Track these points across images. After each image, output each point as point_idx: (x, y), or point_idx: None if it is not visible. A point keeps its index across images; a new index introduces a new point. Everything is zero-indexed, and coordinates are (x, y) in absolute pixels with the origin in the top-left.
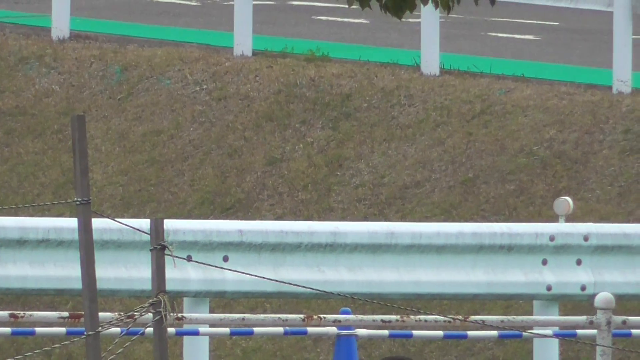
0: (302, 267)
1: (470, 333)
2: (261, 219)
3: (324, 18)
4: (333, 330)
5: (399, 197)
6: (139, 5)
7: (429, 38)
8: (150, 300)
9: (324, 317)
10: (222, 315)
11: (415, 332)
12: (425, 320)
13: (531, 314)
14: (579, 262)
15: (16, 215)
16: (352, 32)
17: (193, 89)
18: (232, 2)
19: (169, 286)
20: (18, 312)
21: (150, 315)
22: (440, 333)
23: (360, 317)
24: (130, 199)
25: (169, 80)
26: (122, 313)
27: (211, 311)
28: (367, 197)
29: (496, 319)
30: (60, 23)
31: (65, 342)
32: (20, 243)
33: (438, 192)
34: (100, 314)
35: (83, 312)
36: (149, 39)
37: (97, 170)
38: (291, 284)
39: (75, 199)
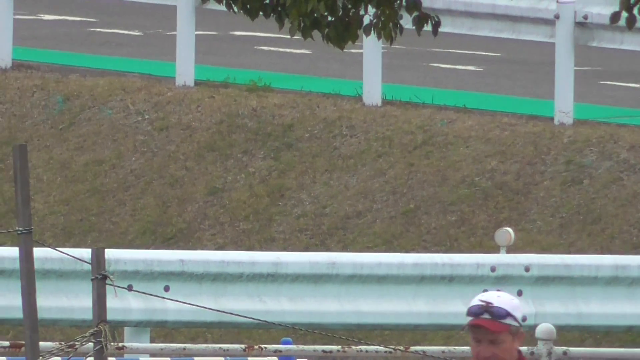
0: (243, 297)
1: None
2: (202, 249)
3: (266, 48)
4: (274, 359)
5: (341, 227)
6: (81, 35)
7: (371, 68)
8: (91, 330)
9: (265, 347)
10: (163, 345)
11: None
12: (367, 351)
13: None
14: (519, 293)
15: None
16: (294, 62)
17: (135, 118)
18: (175, 32)
19: (110, 316)
20: None
21: (91, 344)
22: None
23: (302, 347)
24: (71, 229)
25: (111, 110)
26: (63, 342)
27: (152, 341)
28: (308, 227)
29: (437, 349)
30: (3, 53)
31: None
32: None
33: (379, 223)
34: (41, 343)
35: (24, 342)
36: (91, 69)
37: (39, 199)
38: (232, 314)
39: (17, 228)
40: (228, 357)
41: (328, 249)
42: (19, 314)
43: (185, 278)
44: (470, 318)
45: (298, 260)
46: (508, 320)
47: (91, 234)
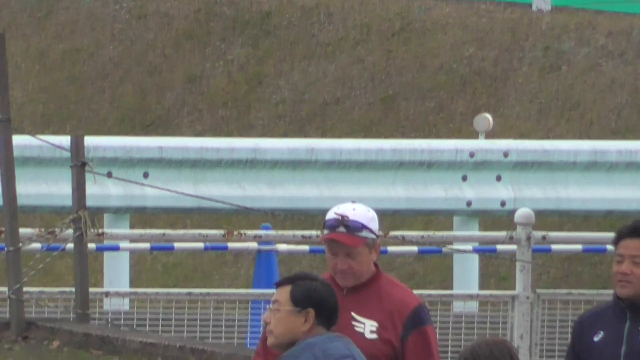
0: (222, 183)
1: (390, 248)
2: (181, 136)
3: None
4: (253, 245)
5: (319, 114)
6: None
7: None
8: (71, 217)
9: (245, 233)
10: (142, 231)
11: None
12: None
13: (451, 229)
14: (498, 178)
15: None
16: None
17: (113, 7)
18: None
19: (90, 202)
20: None
21: (70, 231)
22: None
23: (281, 232)
24: (50, 117)
25: None
26: (42, 229)
27: (131, 227)
28: (287, 114)
29: (416, 234)
30: None
31: None
32: None
33: (358, 109)
34: (21, 230)
35: (3, 229)
36: None
37: (18, 88)
38: (211, 200)
39: None
40: (207, 243)
41: (307, 136)
42: None
43: (164, 164)
44: (326, 231)
45: (277, 147)
46: (364, 233)
47: (70, 121)
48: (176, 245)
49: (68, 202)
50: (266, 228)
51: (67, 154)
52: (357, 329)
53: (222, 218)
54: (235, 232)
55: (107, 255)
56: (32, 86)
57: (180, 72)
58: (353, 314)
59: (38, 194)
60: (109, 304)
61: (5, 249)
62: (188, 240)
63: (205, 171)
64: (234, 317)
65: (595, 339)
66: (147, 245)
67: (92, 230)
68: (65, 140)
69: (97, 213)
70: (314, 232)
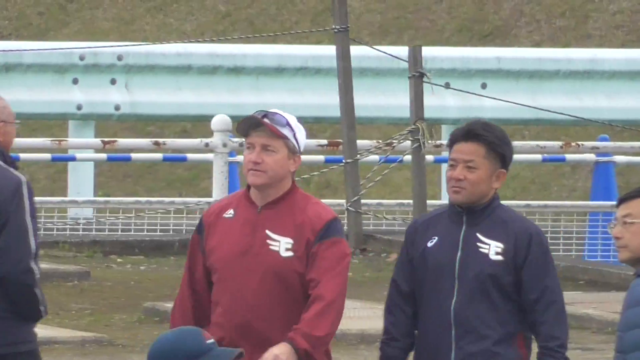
0: (559, 94)
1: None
2: (519, 47)
3: None
4: (591, 157)
5: None
6: None
7: None
8: (409, 128)
9: (582, 144)
10: None
11: None
12: None
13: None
14: (113, 82)
15: (274, 43)
16: None
17: None
18: None
19: (427, 113)
20: None
21: (408, 142)
22: None
23: (619, 144)
24: (388, 27)
25: None
26: (380, 141)
27: None
28: (625, 24)
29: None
30: None
31: (324, 170)
32: (278, 71)
33: None
34: (358, 141)
35: (341, 140)
36: None
37: None
38: (549, 111)
39: (334, 26)
40: (545, 155)
41: None
42: (336, 113)
43: (502, 75)
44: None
45: (615, 57)
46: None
47: (407, 31)
48: (514, 157)
49: (405, 113)
50: (604, 139)
51: (405, 65)
52: (272, 247)
53: (559, 129)
54: (573, 144)
55: (444, 166)
56: None
57: None
58: (267, 232)
59: (375, 105)
60: None
61: (344, 160)
62: (526, 152)
63: (542, 82)
64: (571, 229)
65: (429, 244)
66: None
67: (430, 141)
68: (403, 50)
69: (435, 124)
70: None
